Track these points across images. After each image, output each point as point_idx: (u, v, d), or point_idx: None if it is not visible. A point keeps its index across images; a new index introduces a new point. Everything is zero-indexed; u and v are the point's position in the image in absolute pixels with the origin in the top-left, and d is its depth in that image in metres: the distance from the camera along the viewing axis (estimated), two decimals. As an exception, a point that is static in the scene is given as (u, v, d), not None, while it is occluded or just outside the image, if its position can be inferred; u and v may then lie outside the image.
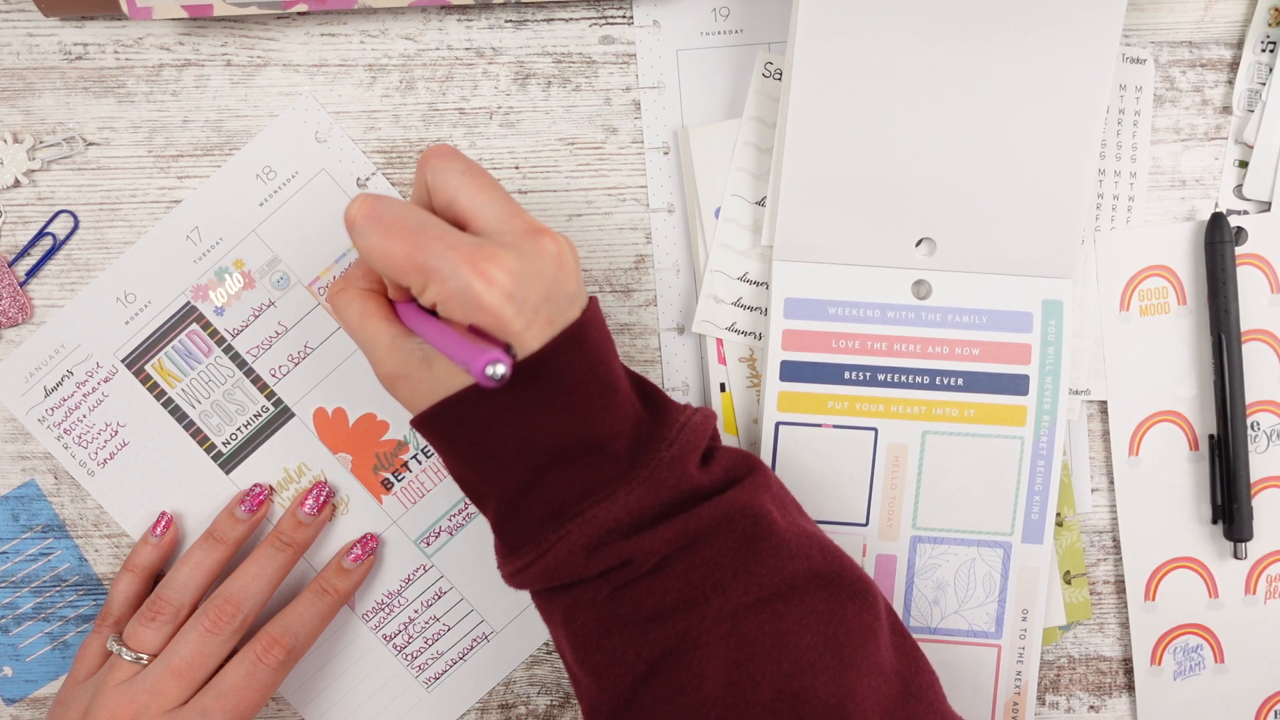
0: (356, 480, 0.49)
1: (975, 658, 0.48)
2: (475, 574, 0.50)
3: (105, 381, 0.49)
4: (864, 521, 0.47)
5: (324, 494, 0.48)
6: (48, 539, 0.50)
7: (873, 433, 0.47)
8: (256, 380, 0.49)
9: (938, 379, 0.46)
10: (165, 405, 0.49)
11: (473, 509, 0.50)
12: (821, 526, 0.47)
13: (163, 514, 0.48)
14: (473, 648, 0.50)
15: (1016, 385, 0.47)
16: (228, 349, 0.49)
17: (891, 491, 0.47)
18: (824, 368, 0.46)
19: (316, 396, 0.49)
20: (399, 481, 0.50)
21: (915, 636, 0.47)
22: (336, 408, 0.49)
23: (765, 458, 0.47)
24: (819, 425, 0.47)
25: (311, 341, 0.49)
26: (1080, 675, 0.51)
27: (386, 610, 0.50)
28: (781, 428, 0.47)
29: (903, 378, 0.46)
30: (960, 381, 0.46)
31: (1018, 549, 0.47)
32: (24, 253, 0.49)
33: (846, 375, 0.46)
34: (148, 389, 0.49)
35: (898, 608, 0.48)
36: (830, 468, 0.47)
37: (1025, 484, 0.47)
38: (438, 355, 0.36)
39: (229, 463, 0.49)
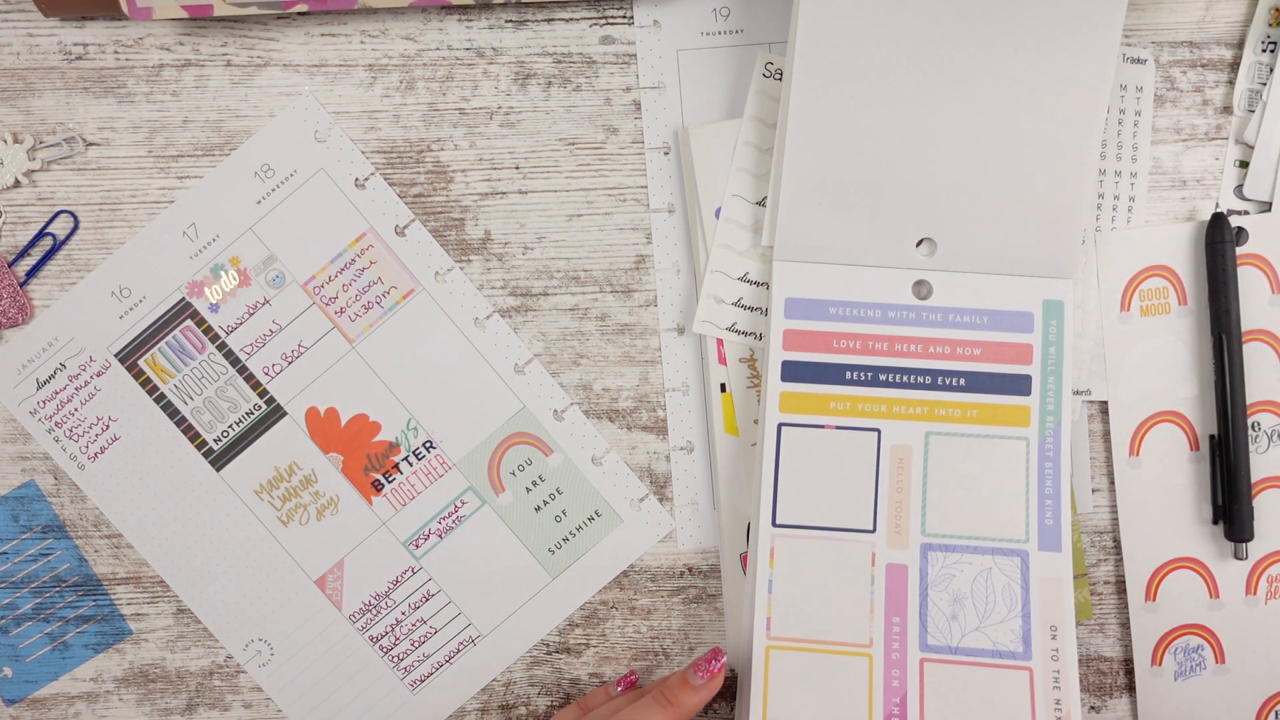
0: (347, 481, 0.49)
1: (1006, 683, 0.45)
2: (463, 577, 0.50)
3: (98, 375, 0.49)
4: (871, 528, 0.46)
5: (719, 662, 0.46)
6: (48, 539, 0.50)
7: (875, 434, 0.46)
8: (249, 378, 0.49)
9: (939, 379, 0.46)
10: (157, 401, 0.49)
11: (462, 511, 0.50)
12: (828, 534, 0.46)
13: (632, 673, 0.49)
14: (459, 650, 0.50)
15: (1019, 385, 0.46)
16: (221, 346, 0.49)
17: (898, 495, 0.46)
18: (825, 368, 0.46)
19: (309, 396, 0.49)
20: (389, 483, 0.49)
21: (935, 658, 0.45)
22: (329, 408, 0.49)
23: (768, 460, 0.46)
24: (821, 426, 0.46)
25: (305, 340, 0.49)
26: (1081, 675, 0.51)
27: (374, 611, 0.50)
28: (784, 429, 0.46)
29: (904, 378, 0.46)
30: (962, 381, 0.46)
31: (1036, 557, 0.46)
32: (24, 253, 0.49)
33: (848, 375, 0.46)
34: (140, 384, 0.49)
35: (912, 624, 0.45)
36: (834, 470, 0.46)
37: (1035, 487, 0.46)
38: None
39: (220, 460, 0.49)
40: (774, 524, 0.46)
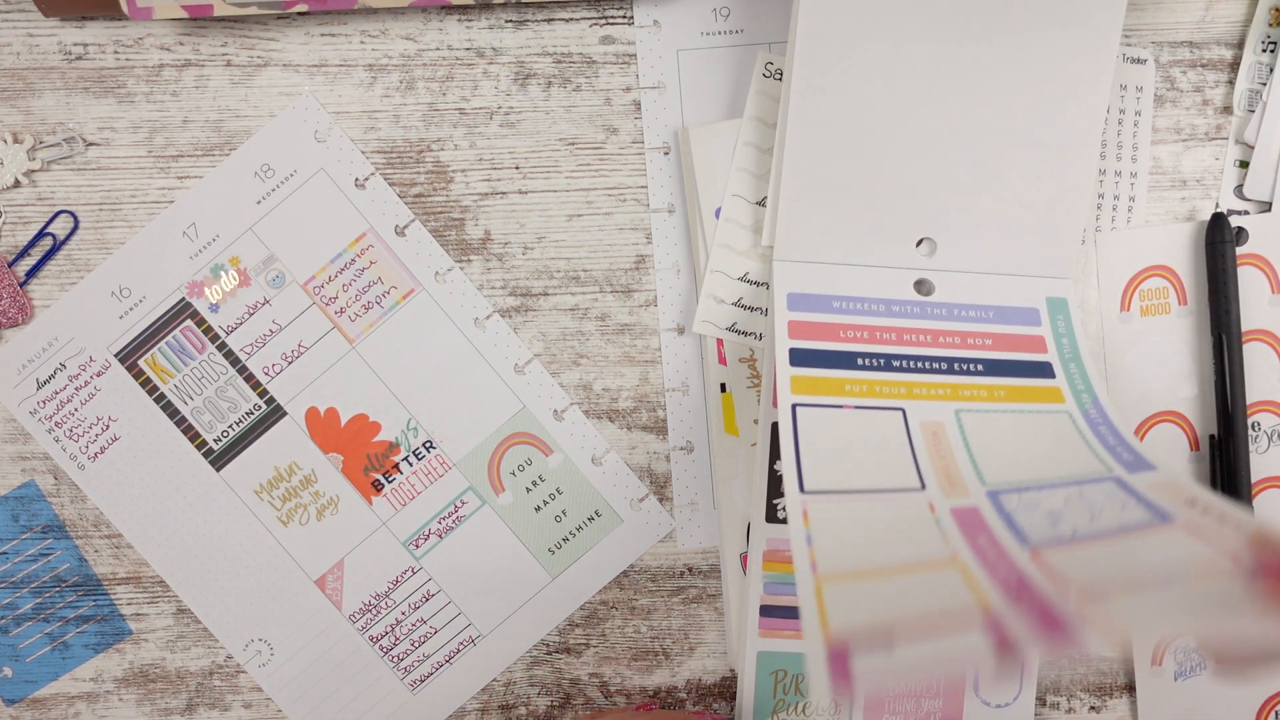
0: (347, 481, 0.49)
1: (1160, 541, 0.35)
2: (463, 577, 0.50)
3: (98, 375, 0.49)
4: (919, 486, 0.39)
5: None
6: (48, 539, 0.50)
7: (900, 413, 0.43)
8: (249, 378, 0.49)
9: (956, 364, 0.45)
10: (157, 401, 0.49)
11: (462, 511, 0.50)
12: (873, 495, 0.39)
13: (652, 702, 0.48)
14: (459, 650, 0.50)
15: (1041, 370, 0.45)
16: (221, 346, 0.49)
17: (941, 460, 0.41)
18: (835, 355, 0.44)
19: (309, 396, 0.49)
20: (389, 483, 0.49)
21: (1050, 546, 0.35)
22: (329, 408, 0.49)
23: (786, 437, 0.41)
24: (839, 406, 0.43)
25: (305, 341, 0.49)
26: (1081, 675, 0.51)
27: (374, 612, 0.50)
28: (800, 410, 0.42)
29: (919, 364, 0.44)
30: (980, 367, 0.45)
31: (1132, 479, 0.39)
32: (24, 253, 0.49)
33: (859, 361, 0.44)
34: (140, 384, 0.49)
35: (1005, 537, 0.36)
36: (863, 445, 0.41)
37: (1098, 445, 0.41)
38: None
39: (220, 460, 0.49)
40: (802, 490, 0.38)
